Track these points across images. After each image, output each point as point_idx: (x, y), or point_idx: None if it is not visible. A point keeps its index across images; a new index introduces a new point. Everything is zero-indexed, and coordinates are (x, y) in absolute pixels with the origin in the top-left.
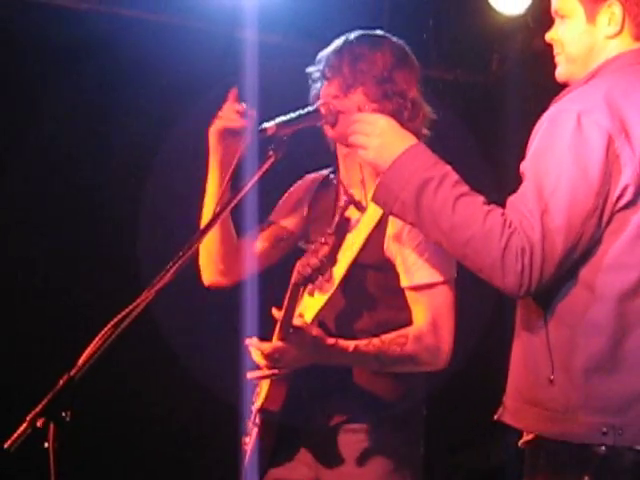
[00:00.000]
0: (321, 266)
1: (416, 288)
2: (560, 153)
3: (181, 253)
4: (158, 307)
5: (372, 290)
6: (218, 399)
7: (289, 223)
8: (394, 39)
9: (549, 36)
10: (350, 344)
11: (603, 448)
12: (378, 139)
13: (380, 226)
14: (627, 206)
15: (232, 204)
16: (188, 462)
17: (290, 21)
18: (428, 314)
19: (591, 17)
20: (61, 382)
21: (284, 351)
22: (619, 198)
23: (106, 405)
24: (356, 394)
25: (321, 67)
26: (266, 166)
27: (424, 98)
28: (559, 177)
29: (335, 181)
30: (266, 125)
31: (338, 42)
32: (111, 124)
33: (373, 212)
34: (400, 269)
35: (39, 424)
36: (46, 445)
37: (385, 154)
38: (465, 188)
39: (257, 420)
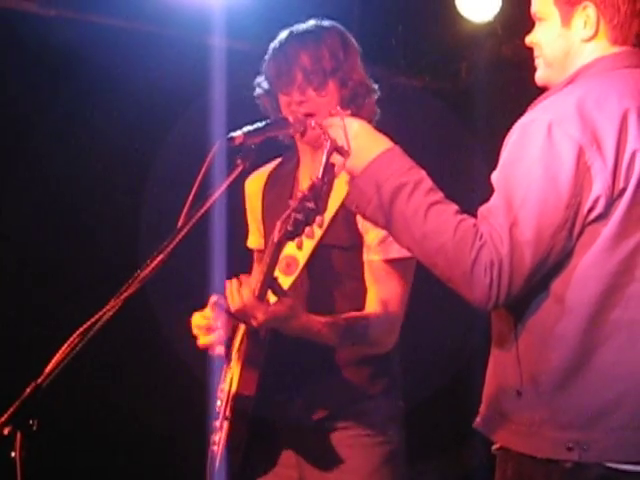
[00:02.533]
0: (310, 214)
1: (390, 261)
2: (530, 164)
3: (147, 263)
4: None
5: (340, 269)
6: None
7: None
8: (327, 25)
9: (528, 39)
10: (320, 319)
11: (569, 464)
12: (352, 143)
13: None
14: (598, 218)
15: (199, 214)
16: (157, 468)
17: (259, 28)
18: (392, 291)
19: (566, 20)
20: (28, 390)
21: (259, 309)
22: (590, 210)
23: (74, 413)
24: (337, 385)
25: (270, 80)
26: (234, 175)
27: (393, 104)
28: (528, 189)
29: (288, 170)
30: (234, 134)
31: (280, 47)
32: (80, 129)
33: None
34: (373, 242)
35: (6, 433)
36: (13, 454)
37: (359, 158)
38: (439, 196)
39: (228, 413)
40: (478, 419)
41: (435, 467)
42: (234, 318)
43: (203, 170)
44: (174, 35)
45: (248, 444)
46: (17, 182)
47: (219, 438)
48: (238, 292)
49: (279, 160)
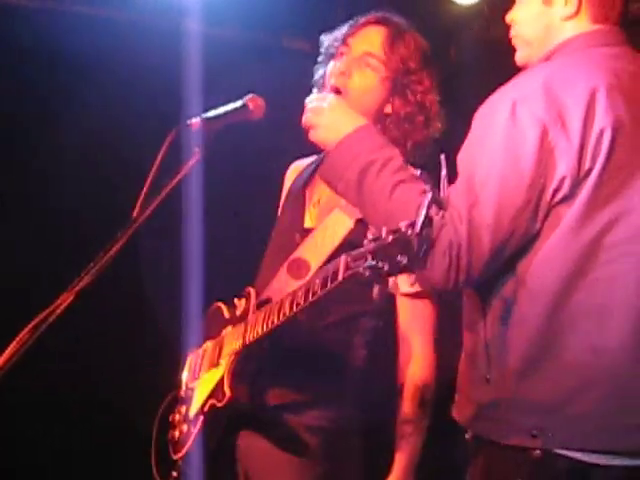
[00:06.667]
0: (399, 267)
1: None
2: (492, 144)
3: (101, 255)
4: None
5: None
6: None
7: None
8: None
9: (509, 17)
10: None
11: (538, 452)
12: (329, 116)
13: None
14: (564, 200)
15: (155, 204)
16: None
17: (236, 13)
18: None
19: None
20: None
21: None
22: (556, 191)
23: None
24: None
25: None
26: (191, 163)
27: None
28: (490, 170)
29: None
30: (191, 120)
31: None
32: (55, 117)
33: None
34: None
35: None
36: None
37: (334, 132)
38: (407, 174)
39: (206, 408)
40: (453, 407)
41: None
42: None
43: (159, 157)
44: (150, 22)
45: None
46: None
47: (186, 410)
48: None
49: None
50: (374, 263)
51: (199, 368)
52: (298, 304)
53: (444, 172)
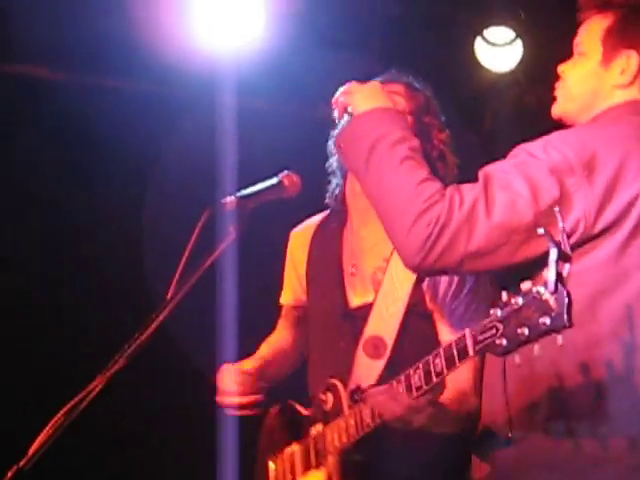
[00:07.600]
0: (517, 341)
1: None
2: (519, 166)
3: (135, 337)
4: None
5: (428, 337)
6: None
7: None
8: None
9: (561, 68)
10: None
11: None
12: (370, 89)
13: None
14: (580, 247)
15: (190, 285)
16: None
17: (271, 83)
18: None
19: (606, 61)
20: (10, 474)
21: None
22: (571, 233)
23: None
24: None
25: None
26: (226, 243)
27: None
28: (509, 182)
29: (335, 225)
30: (226, 199)
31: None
32: (95, 195)
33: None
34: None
35: None
36: None
37: (370, 100)
38: (420, 157)
39: None
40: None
41: None
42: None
43: (194, 237)
44: (182, 95)
45: None
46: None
47: None
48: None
49: (327, 213)
50: (512, 331)
51: (293, 472)
52: (419, 387)
53: (561, 225)
